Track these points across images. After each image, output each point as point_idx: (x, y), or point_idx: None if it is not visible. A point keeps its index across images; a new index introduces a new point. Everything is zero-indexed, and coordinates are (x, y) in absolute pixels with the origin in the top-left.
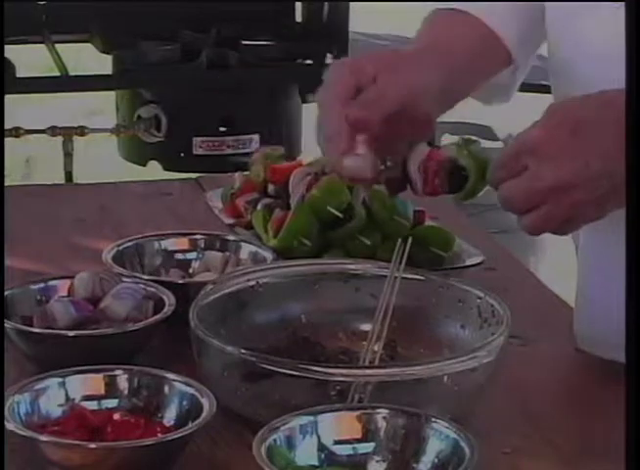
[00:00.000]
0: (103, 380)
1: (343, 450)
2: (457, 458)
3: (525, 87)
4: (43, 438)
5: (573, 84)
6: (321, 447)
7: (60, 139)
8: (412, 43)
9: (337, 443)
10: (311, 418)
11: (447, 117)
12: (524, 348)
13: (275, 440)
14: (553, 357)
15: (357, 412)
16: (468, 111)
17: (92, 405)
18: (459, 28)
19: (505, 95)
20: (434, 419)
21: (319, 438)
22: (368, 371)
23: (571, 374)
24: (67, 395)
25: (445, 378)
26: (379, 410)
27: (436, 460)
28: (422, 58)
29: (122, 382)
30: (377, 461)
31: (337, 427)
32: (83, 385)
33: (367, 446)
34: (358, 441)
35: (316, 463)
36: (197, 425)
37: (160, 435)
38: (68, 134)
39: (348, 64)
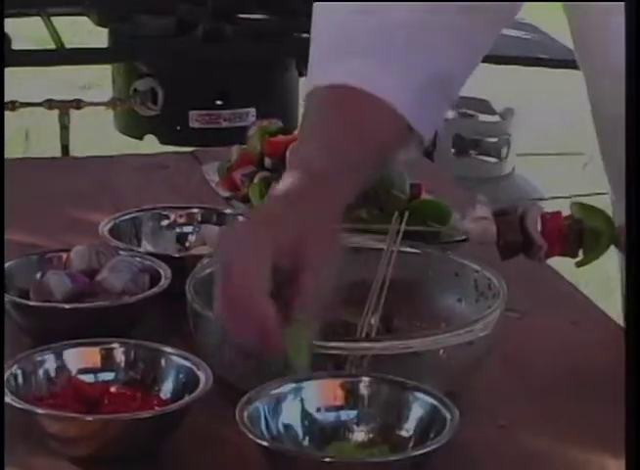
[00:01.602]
0: (99, 353)
1: (327, 417)
2: (439, 425)
3: (522, 61)
4: (40, 410)
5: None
6: (304, 414)
7: (56, 112)
8: (306, 149)
9: (320, 410)
10: (295, 385)
11: None
12: (520, 321)
13: (258, 406)
14: (550, 331)
15: (340, 380)
16: (465, 85)
17: (89, 378)
18: (360, 120)
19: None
20: (415, 387)
21: (302, 405)
22: (364, 344)
23: (568, 347)
24: (63, 367)
25: (442, 351)
26: (361, 378)
27: (418, 427)
28: (318, 214)
29: (119, 355)
30: (360, 428)
31: (320, 394)
32: (80, 358)
33: (350, 413)
34: (341, 408)
35: (299, 430)
36: (193, 398)
37: (156, 408)
38: (65, 107)
39: (264, 242)
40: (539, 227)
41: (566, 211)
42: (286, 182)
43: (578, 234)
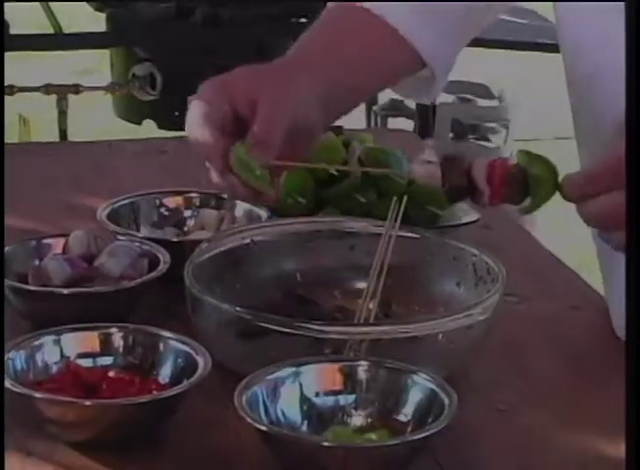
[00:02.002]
0: (98, 337)
1: (325, 402)
2: (437, 409)
3: (519, 46)
4: (38, 395)
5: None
6: (303, 399)
7: (54, 97)
8: (302, 41)
9: (318, 394)
10: (293, 370)
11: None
12: (519, 305)
13: (257, 391)
14: (548, 315)
15: (339, 364)
16: (464, 69)
17: (87, 363)
18: (358, 30)
19: (428, 91)
20: (413, 371)
21: (301, 389)
22: (363, 329)
23: (567, 332)
24: (62, 352)
25: (440, 336)
26: (360, 363)
27: (416, 411)
28: (297, 75)
29: (117, 339)
30: (358, 412)
31: (319, 379)
32: (78, 342)
33: (348, 398)
34: (340, 392)
35: (298, 414)
36: (191, 383)
37: (154, 392)
38: (63, 92)
39: (223, 89)
40: (484, 174)
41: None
42: None
43: (521, 181)
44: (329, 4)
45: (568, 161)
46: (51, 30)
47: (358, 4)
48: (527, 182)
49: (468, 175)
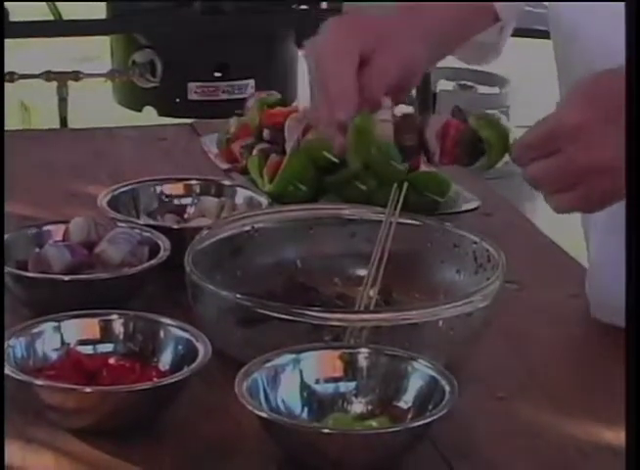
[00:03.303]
0: (98, 324)
1: (325, 389)
2: (437, 396)
3: (523, 32)
4: (39, 382)
5: (576, 42)
6: (303, 386)
7: (54, 84)
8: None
9: (318, 381)
10: (293, 357)
11: (445, 62)
12: (519, 293)
13: (257, 378)
14: (548, 302)
15: (339, 351)
16: None
17: (87, 350)
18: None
19: (493, 54)
20: (414, 358)
21: (301, 376)
22: (363, 316)
23: (567, 319)
24: (62, 339)
25: (440, 323)
26: (360, 349)
27: (417, 398)
28: (413, 29)
29: (118, 326)
30: (358, 400)
31: (319, 366)
32: (79, 329)
33: (349, 385)
34: (340, 379)
35: (298, 401)
36: (192, 370)
37: (155, 379)
38: (63, 79)
39: (353, 28)
40: (437, 134)
41: None
42: None
43: (472, 143)
44: None
45: None
46: (51, 17)
47: None
48: (478, 145)
49: (421, 134)
